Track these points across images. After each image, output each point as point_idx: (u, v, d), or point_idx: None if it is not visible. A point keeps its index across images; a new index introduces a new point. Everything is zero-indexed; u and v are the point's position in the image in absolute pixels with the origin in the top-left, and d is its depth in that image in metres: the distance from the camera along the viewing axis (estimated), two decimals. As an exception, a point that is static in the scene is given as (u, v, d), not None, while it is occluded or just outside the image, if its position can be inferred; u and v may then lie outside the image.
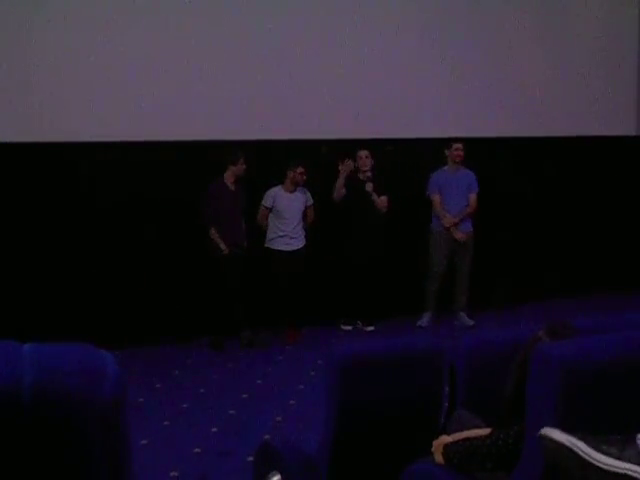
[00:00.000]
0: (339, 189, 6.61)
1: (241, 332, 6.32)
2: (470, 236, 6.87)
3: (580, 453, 1.60)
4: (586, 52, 8.12)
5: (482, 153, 7.35)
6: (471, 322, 6.84)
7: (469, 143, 7.19)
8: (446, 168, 6.87)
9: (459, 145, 6.80)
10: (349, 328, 6.79)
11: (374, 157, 6.69)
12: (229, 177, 6.22)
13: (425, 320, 6.87)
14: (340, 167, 6.61)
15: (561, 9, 7.96)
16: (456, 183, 6.80)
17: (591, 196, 8.19)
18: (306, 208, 6.58)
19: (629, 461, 1.57)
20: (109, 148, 6.18)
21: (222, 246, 6.13)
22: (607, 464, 1.57)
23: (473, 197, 6.84)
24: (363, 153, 6.66)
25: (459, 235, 6.78)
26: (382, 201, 6.66)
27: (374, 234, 6.69)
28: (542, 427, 1.96)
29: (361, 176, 6.68)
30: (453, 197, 6.81)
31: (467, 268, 6.90)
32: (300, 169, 6.44)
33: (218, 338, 6.27)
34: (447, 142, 6.88)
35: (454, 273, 6.92)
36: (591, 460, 1.59)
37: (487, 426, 2.40)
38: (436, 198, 6.81)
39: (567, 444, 1.62)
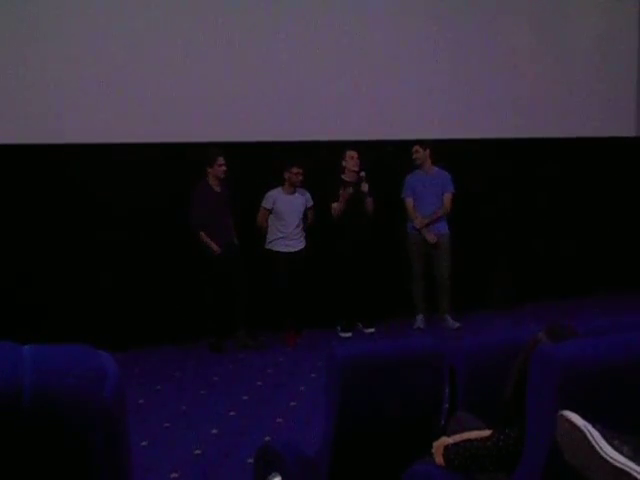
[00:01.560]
0: (339, 210, 6.57)
1: (237, 332, 6.32)
2: (445, 238, 6.78)
3: (592, 442, 1.62)
4: (586, 53, 8.13)
5: (481, 154, 7.36)
6: (456, 324, 6.73)
7: (469, 144, 7.20)
8: (419, 170, 6.84)
9: (415, 147, 6.77)
10: (349, 335, 6.71)
11: (360, 158, 6.62)
12: (212, 179, 6.19)
13: (419, 322, 6.84)
14: (341, 192, 6.55)
15: (561, 9, 7.97)
16: (429, 184, 6.75)
17: (591, 197, 8.19)
18: (306, 209, 6.58)
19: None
20: (110, 149, 6.18)
21: (214, 247, 6.12)
22: (614, 459, 1.59)
23: (447, 197, 6.77)
24: (354, 153, 6.61)
25: (429, 236, 6.72)
26: (369, 202, 6.66)
27: (364, 235, 6.67)
28: (542, 429, 1.97)
29: (347, 177, 6.64)
30: (425, 199, 6.77)
31: (445, 271, 6.78)
32: (295, 169, 6.43)
33: (217, 340, 6.27)
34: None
35: (435, 276, 6.84)
36: (599, 451, 1.61)
37: (487, 427, 2.40)
38: (409, 201, 6.80)
39: (583, 429, 1.64)
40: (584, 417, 1.71)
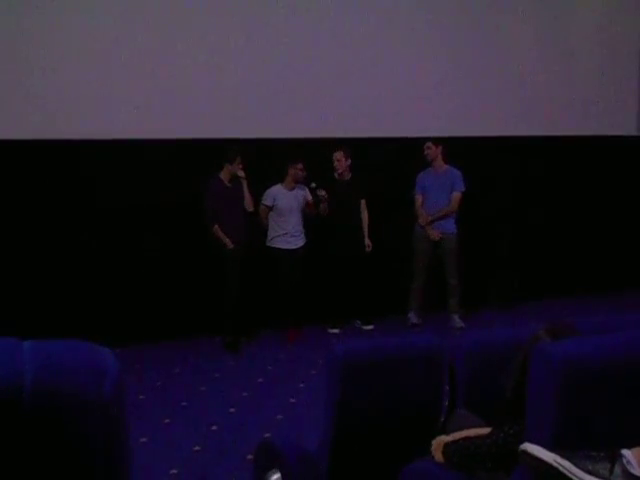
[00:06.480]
0: (324, 210, 6.59)
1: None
2: (451, 237, 6.76)
3: (567, 473, 1.61)
4: (587, 51, 8.12)
5: (481, 153, 7.35)
6: (461, 324, 6.75)
7: (468, 142, 7.19)
8: (430, 168, 6.84)
9: (428, 144, 6.74)
10: (336, 331, 6.70)
11: (350, 157, 6.61)
12: (225, 175, 6.22)
13: (412, 318, 6.84)
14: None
15: (563, 8, 7.96)
16: (438, 182, 6.74)
17: (592, 196, 8.19)
18: (307, 203, 6.58)
19: None
20: (109, 147, 6.18)
21: (227, 241, 6.11)
22: None
23: (455, 196, 6.74)
24: (337, 155, 6.60)
25: (433, 234, 6.72)
26: (362, 204, 6.70)
27: (355, 234, 6.67)
28: (542, 427, 1.97)
29: (337, 176, 6.65)
30: (433, 196, 6.77)
31: (454, 271, 6.77)
32: (300, 165, 6.45)
33: (234, 339, 6.20)
34: (423, 142, 6.80)
35: (444, 276, 6.82)
36: None
37: (487, 425, 2.41)
38: (418, 198, 6.81)
39: (553, 464, 1.63)
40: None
